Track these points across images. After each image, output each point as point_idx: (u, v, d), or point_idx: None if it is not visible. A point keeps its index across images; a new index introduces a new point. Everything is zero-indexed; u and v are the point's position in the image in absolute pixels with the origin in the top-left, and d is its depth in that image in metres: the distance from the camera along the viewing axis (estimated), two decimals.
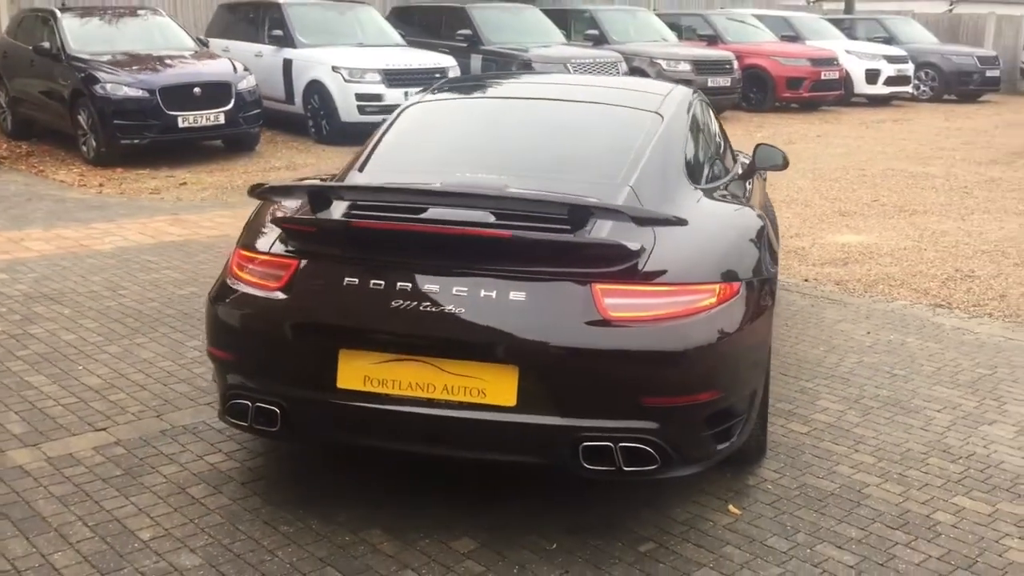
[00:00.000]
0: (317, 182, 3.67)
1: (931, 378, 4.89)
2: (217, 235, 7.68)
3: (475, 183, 3.57)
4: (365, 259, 3.21)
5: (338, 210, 3.38)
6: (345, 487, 3.61)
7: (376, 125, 13.25)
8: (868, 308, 6.10)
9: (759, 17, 19.11)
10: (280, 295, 3.26)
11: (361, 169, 3.85)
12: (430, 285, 3.11)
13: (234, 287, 3.40)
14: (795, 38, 18.83)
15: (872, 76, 18.45)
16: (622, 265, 3.12)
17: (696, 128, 4.30)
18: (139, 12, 13.22)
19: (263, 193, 3.44)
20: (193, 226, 8.00)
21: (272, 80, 12.90)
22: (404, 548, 3.22)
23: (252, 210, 3.85)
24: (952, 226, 8.56)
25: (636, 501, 3.56)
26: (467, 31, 14.75)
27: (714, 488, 3.68)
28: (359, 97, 12.31)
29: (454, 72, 13.02)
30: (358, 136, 12.81)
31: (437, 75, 12.78)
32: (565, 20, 16.54)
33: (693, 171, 3.98)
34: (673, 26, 17.75)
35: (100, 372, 4.69)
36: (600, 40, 15.87)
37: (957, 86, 20.08)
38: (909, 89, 19.26)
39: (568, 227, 3.16)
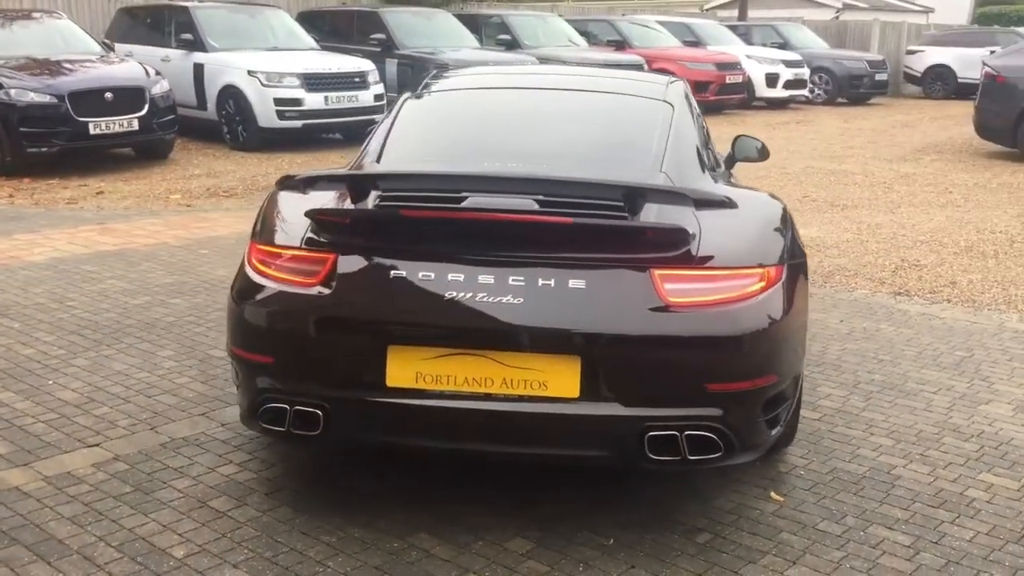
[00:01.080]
0: (354, 171, 3.47)
1: (916, 362, 4.99)
2: (155, 243, 7.32)
3: (512, 171, 3.44)
4: (414, 249, 3.06)
5: (372, 200, 3.22)
6: (372, 492, 3.44)
7: (295, 131, 12.88)
8: (832, 298, 6.21)
9: (662, 23, 19.44)
10: (319, 291, 3.07)
11: (378, 161, 3.69)
12: (485, 275, 2.98)
13: (261, 284, 3.19)
14: (697, 43, 19.23)
15: (772, 80, 18.99)
16: (680, 249, 3.05)
17: (696, 117, 4.28)
18: (35, 15, 12.60)
19: (296, 184, 3.25)
20: (125, 235, 7.60)
21: (182, 85, 12.43)
22: (459, 552, 3.08)
23: (262, 203, 3.62)
24: (884, 219, 8.82)
25: (676, 493, 3.49)
26: (381, 36, 14.54)
27: (748, 476, 3.64)
28: (278, 102, 11.99)
29: (373, 76, 12.83)
30: (277, 142, 12.58)
31: (356, 79, 12.61)
32: (475, 25, 16.48)
33: (702, 159, 3.96)
34: (581, 32, 17.89)
35: (74, 386, 4.38)
36: (512, 45, 15.87)
37: (849, 89, 20.85)
38: (805, 92, 19.92)
39: (621, 211, 3.08)
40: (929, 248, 7.65)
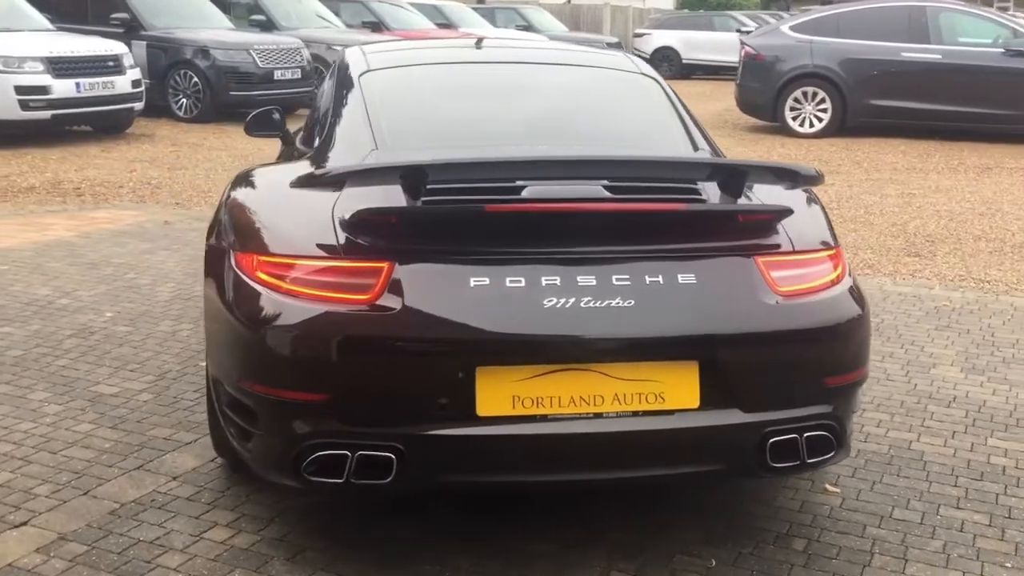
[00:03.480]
0: (408, 160, 2.80)
1: None
2: None
3: (598, 154, 2.97)
4: (495, 251, 2.55)
5: (421, 196, 2.65)
6: (413, 539, 2.89)
7: (44, 123, 11.26)
8: None
9: (414, 5, 19.03)
10: (379, 308, 2.49)
11: (376, 148, 3.08)
12: (584, 276, 2.54)
13: (287, 304, 2.54)
14: (448, 25, 19.01)
15: None
16: (779, 234, 2.77)
17: None
18: None
19: (331, 180, 2.61)
20: None
21: None
22: None
23: (223, 201, 2.92)
24: None
25: (732, 496, 3.22)
26: (123, 15, 13.10)
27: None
28: (20, 90, 10.43)
29: (128, 60, 11.53)
30: (20, 137, 10.95)
31: (111, 63, 11.30)
32: (222, 4, 15.26)
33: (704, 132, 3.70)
34: (333, 12, 17.10)
35: None
36: (268, 26, 14.86)
37: None
38: None
39: (692, 194, 2.76)
40: None
